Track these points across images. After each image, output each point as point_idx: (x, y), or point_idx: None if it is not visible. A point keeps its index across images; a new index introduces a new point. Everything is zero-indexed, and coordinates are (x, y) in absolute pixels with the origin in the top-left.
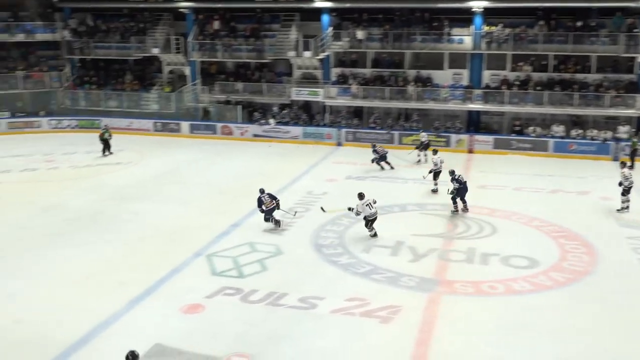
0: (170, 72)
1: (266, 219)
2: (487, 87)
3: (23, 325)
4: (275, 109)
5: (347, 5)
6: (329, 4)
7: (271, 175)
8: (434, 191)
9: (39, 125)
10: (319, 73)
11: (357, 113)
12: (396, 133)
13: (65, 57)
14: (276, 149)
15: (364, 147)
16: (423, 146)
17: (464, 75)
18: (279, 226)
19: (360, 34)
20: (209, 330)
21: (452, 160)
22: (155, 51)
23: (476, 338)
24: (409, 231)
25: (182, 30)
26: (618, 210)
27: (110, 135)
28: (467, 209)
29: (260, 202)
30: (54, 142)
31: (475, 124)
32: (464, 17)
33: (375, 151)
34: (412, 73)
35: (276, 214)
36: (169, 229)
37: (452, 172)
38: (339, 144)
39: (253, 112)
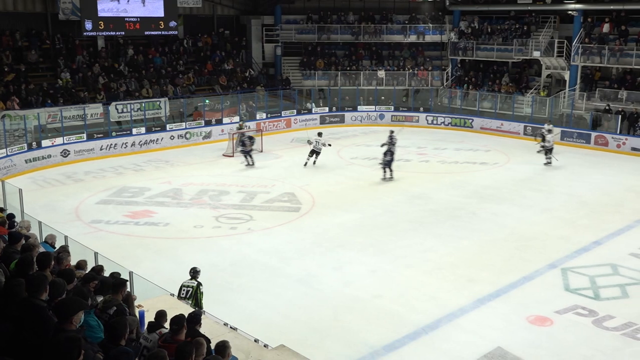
0: (548, 76)
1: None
2: None
3: (380, 301)
4: None
5: None
6: None
7: None
8: None
9: (417, 120)
10: None
11: None
12: None
13: (448, 57)
14: None
15: None
16: None
17: None
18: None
19: None
20: (554, 347)
21: None
22: (536, 54)
23: None
24: None
25: (567, 33)
26: None
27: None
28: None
29: (242, 143)
30: (428, 137)
31: None
32: None
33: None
34: None
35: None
36: (525, 234)
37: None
38: None
39: (635, 123)
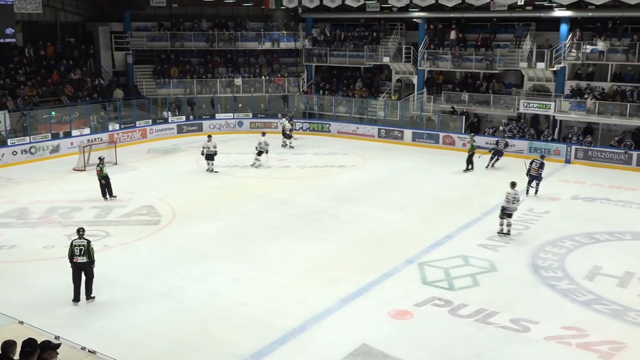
0: (398, 80)
1: None
2: None
3: (247, 308)
4: (504, 121)
5: (590, 14)
6: (569, 13)
7: (489, 189)
8: None
9: (275, 126)
10: (551, 85)
11: (590, 130)
12: (635, 154)
13: (303, 64)
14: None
15: (595, 167)
16: None
17: None
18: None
19: (601, 44)
20: (415, 338)
21: None
22: (386, 60)
23: None
24: None
25: (413, 39)
26: None
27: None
28: None
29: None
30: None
31: None
32: None
33: None
34: None
35: None
36: (383, 233)
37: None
38: (567, 162)
39: (475, 124)
